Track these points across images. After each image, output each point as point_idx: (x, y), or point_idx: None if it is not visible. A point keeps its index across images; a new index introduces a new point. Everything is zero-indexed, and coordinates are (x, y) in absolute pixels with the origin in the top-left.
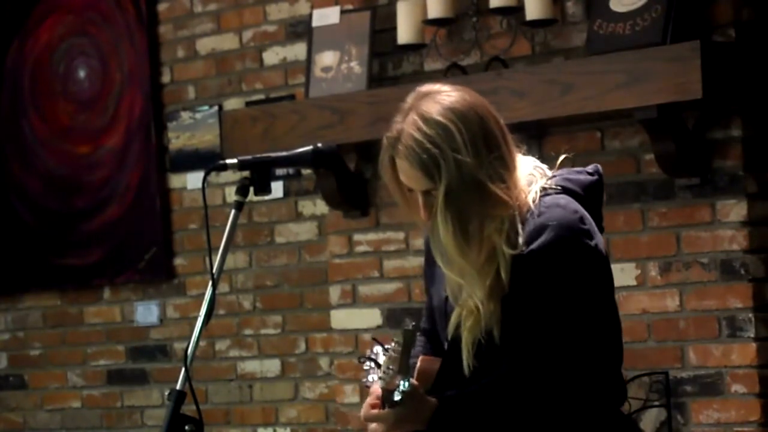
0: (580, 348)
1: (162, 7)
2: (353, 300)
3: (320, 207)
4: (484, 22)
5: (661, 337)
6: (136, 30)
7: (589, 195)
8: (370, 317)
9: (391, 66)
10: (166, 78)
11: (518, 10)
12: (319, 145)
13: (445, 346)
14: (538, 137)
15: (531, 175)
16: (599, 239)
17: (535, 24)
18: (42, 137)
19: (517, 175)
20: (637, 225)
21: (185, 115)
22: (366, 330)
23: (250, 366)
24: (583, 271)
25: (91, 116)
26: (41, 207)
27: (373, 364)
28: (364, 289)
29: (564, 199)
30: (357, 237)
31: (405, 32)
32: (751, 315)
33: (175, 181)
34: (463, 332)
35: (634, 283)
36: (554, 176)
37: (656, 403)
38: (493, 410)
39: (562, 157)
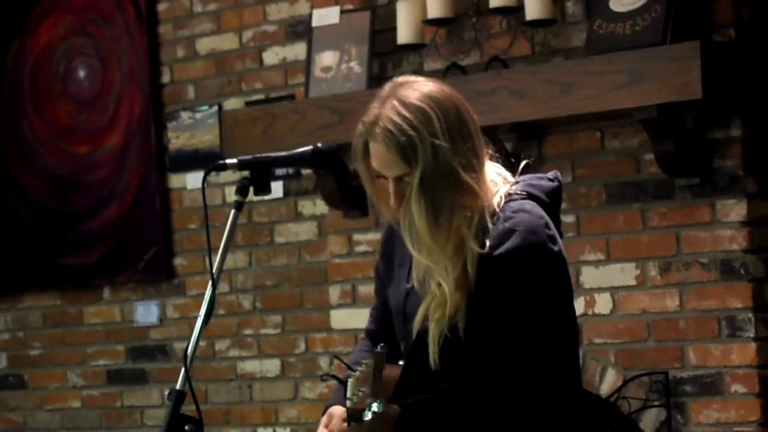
0: (540, 351)
1: (162, 7)
2: (353, 300)
3: (320, 207)
4: (484, 22)
5: (661, 337)
6: (136, 30)
7: (552, 201)
8: None
9: (391, 66)
10: (166, 78)
11: (518, 10)
12: (319, 145)
13: (402, 347)
14: (538, 137)
15: (494, 180)
16: (561, 244)
17: (535, 24)
18: (42, 137)
19: (485, 172)
20: (637, 225)
21: (185, 115)
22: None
23: (250, 366)
24: (547, 276)
25: (91, 116)
26: (41, 207)
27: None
28: (363, 289)
29: (529, 205)
30: (357, 237)
31: (405, 32)
32: (750, 315)
33: (175, 181)
34: (430, 324)
35: (634, 283)
36: (518, 182)
37: (656, 403)
38: (455, 416)
39: (523, 163)
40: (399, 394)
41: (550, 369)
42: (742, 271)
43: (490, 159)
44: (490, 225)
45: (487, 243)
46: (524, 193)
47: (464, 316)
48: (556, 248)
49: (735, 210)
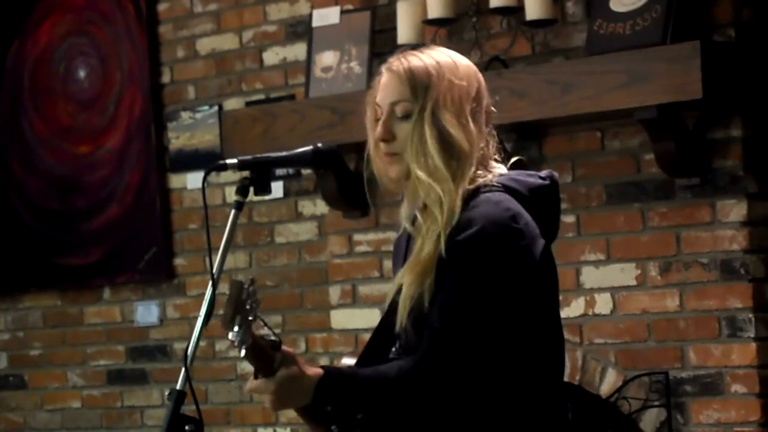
0: (491, 347)
1: (162, 7)
2: (353, 300)
3: (320, 207)
4: (484, 22)
5: (661, 337)
6: (136, 30)
7: (536, 198)
8: (370, 317)
9: None
10: (166, 78)
11: (518, 10)
12: (319, 145)
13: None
14: (538, 137)
15: (482, 173)
16: (533, 241)
17: (535, 24)
18: (42, 137)
19: (483, 148)
20: (637, 225)
21: (185, 115)
22: (366, 330)
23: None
24: (503, 270)
25: (91, 116)
26: (41, 207)
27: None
28: (364, 289)
29: (500, 197)
30: (357, 237)
31: (405, 32)
32: (751, 315)
33: (175, 181)
34: (404, 285)
35: (634, 283)
36: (502, 175)
37: (656, 403)
38: (379, 398)
39: (513, 159)
40: (366, 354)
41: (514, 367)
42: (742, 271)
43: (495, 159)
44: (457, 212)
45: (453, 223)
46: (501, 185)
47: (431, 286)
48: (521, 243)
49: (735, 210)
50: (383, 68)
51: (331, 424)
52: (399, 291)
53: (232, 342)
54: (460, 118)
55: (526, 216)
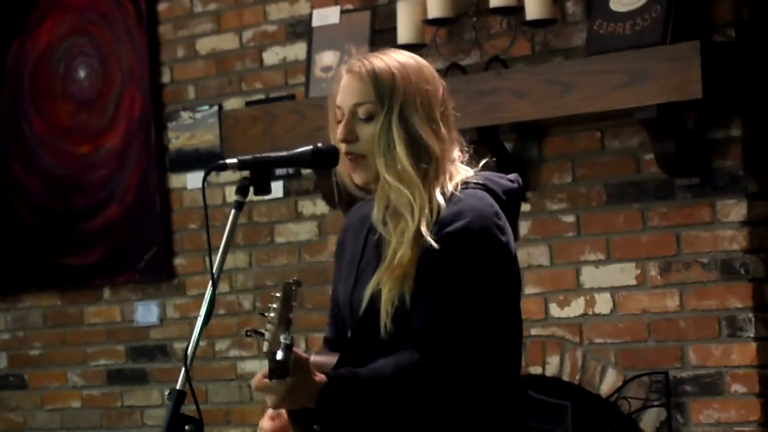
0: (478, 338)
1: (162, 7)
2: None
3: (320, 207)
4: (484, 22)
5: (661, 337)
6: (136, 30)
7: (509, 200)
8: None
9: None
10: (166, 78)
11: (518, 10)
12: (319, 145)
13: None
14: (538, 137)
15: (452, 172)
16: (511, 239)
17: (535, 24)
18: (42, 137)
19: (450, 149)
20: (637, 225)
21: (185, 115)
22: None
23: (250, 366)
24: (490, 262)
25: (91, 116)
26: (41, 207)
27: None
28: None
29: (482, 193)
30: None
31: (405, 32)
32: (751, 315)
33: (175, 181)
34: (383, 288)
35: (634, 283)
36: (477, 175)
37: (656, 403)
38: (381, 398)
39: (483, 162)
40: (345, 359)
41: (485, 360)
42: (742, 271)
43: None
44: (443, 206)
45: (425, 227)
46: (481, 184)
47: (410, 288)
48: (503, 239)
49: (735, 210)
50: (343, 70)
51: (313, 424)
52: (372, 293)
53: (285, 344)
54: (431, 122)
55: (502, 213)
